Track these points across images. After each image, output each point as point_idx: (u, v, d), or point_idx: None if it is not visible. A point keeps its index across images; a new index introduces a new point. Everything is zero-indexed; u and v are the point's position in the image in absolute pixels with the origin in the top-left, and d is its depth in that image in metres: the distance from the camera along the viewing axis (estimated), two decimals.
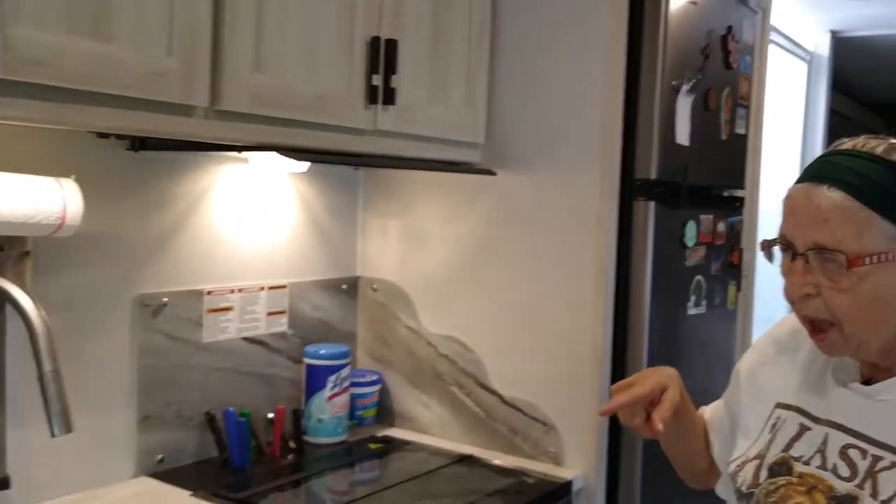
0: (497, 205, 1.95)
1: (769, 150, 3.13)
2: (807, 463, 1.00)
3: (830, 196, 0.92)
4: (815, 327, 0.97)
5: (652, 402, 1.08)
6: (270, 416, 1.85)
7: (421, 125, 1.73)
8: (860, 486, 0.94)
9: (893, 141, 0.96)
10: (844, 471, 0.96)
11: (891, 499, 0.91)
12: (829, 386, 1.03)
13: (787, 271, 0.97)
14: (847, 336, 0.95)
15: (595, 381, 1.84)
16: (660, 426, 1.05)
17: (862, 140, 0.97)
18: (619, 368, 1.90)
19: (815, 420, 1.02)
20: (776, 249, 0.99)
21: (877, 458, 0.94)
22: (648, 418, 1.08)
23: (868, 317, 0.94)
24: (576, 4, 1.82)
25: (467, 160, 1.92)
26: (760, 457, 1.05)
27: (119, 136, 1.50)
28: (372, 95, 1.56)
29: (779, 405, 1.08)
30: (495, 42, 1.92)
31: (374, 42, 1.56)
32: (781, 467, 1.02)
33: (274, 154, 1.41)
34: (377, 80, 1.56)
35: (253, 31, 1.35)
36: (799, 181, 0.97)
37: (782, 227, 0.98)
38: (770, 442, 1.05)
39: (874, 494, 0.93)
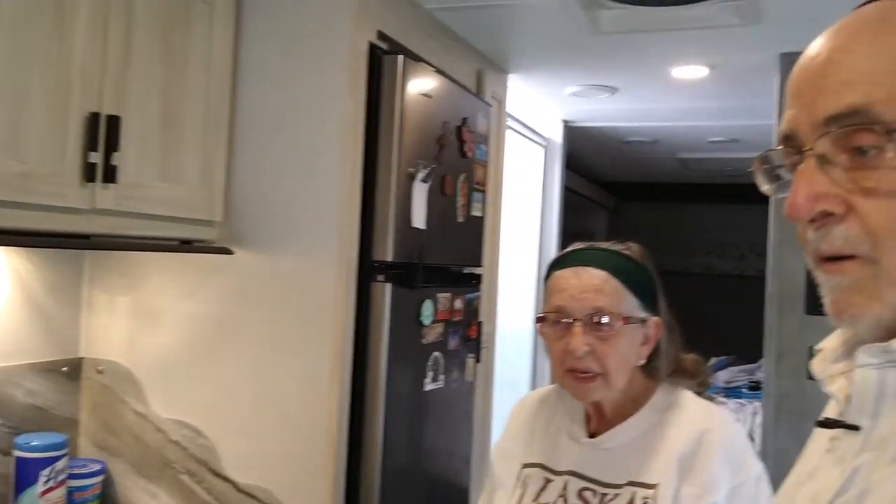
0: (234, 284, 1.91)
1: (510, 228, 3.38)
2: None
3: (598, 274, 1.19)
4: (584, 376, 1.19)
5: None
6: None
7: (148, 203, 1.66)
8: None
9: (627, 244, 1.25)
10: None
11: None
12: (564, 443, 1.28)
13: (560, 336, 1.20)
14: (609, 383, 1.19)
15: (331, 462, 1.83)
16: None
17: (598, 244, 1.25)
18: (356, 449, 1.91)
19: (555, 472, 1.25)
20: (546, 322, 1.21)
21: (604, 495, 1.19)
22: None
23: (622, 367, 1.20)
24: (316, 90, 1.86)
25: (203, 238, 1.86)
26: None
27: None
28: (89, 173, 1.48)
29: (525, 465, 1.29)
30: (235, 120, 1.90)
31: (94, 118, 1.48)
32: None
33: None
34: (96, 157, 1.48)
35: None
36: (561, 267, 1.23)
37: (556, 301, 1.20)
38: (522, 495, 1.26)
39: None
